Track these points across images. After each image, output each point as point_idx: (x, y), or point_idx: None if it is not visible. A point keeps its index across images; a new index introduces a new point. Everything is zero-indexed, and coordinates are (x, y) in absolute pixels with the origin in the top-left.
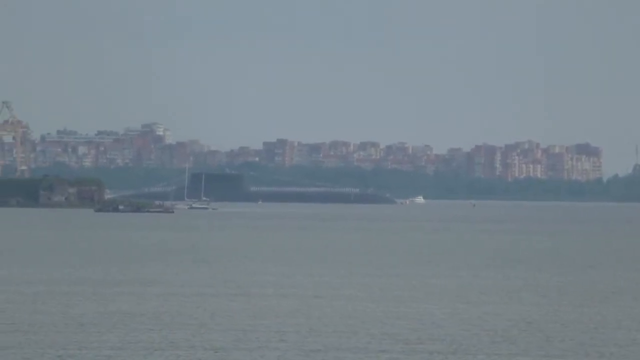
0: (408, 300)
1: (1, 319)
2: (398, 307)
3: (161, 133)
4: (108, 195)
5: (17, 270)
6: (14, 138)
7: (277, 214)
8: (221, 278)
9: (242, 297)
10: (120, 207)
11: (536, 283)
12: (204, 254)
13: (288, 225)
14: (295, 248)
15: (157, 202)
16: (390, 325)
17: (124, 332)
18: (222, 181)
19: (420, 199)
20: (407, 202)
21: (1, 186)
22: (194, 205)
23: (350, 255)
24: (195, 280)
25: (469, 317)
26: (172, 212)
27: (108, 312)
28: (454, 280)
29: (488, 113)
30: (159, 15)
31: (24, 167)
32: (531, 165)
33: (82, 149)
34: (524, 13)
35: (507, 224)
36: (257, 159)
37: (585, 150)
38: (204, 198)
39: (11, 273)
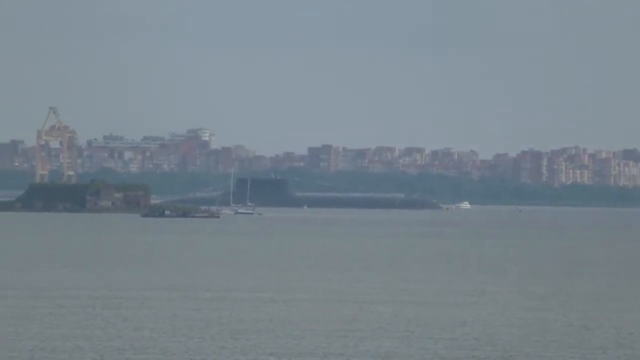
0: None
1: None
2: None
3: (207, 138)
4: (154, 200)
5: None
6: (60, 143)
7: (327, 220)
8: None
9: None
10: (167, 212)
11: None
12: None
13: (362, 233)
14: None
15: (203, 208)
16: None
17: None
18: (268, 186)
19: (465, 205)
20: (453, 208)
21: (48, 192)
22: (239, 211)
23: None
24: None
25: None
26: (218, 217)
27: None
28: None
29: (534, 118)
30: (205, 20)
31: (70, 173)
32: (578, 171)
33: (128, 154)
34: (570, 16)
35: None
36: (302, 164)
37: (633, 155)
38: (250, 203)
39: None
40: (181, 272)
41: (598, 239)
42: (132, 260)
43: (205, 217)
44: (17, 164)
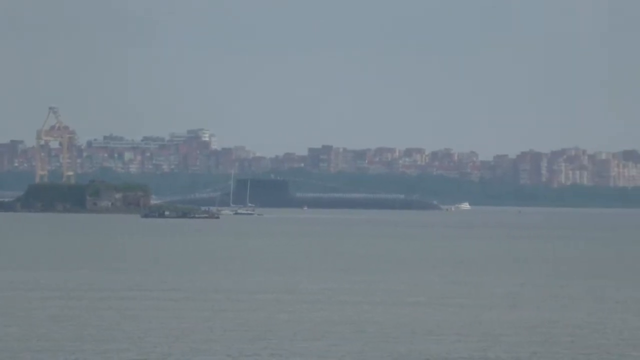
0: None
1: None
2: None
3: (207, 139)
4: (154, 201)
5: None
6: (60, 144)
7: (330, 220)
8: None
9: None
10: (166, 212)
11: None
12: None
13: (372, 233)
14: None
15: (202, 208)
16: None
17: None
18: (268, 187)
19: (465, 206)
20: (453, 209)
21: (48, 192)
22: (239, 211)
23: (408, 263)
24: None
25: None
26: (218, 217)
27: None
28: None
29: (534, 119)
30: (205, 20)
31: (70, 173)
32: (577, 172)
33: (128, 155)
34: (568, 17)
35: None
36: (302, 165)
37: (632, 156)
38: (250, 204)
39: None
40: (216, 274)
41: None
42: (151, 261)
43: (205, 217)
44: (16, 164)
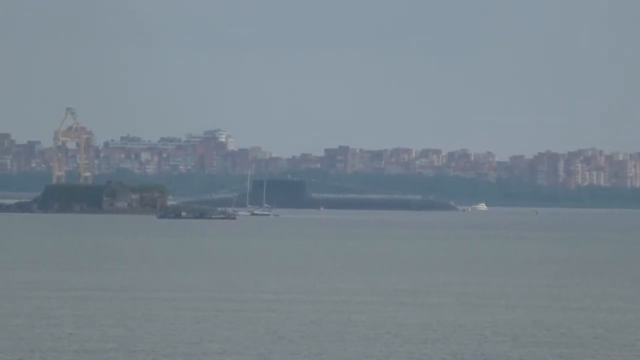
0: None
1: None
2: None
3: (223, 140)
4: (170, 201)
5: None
6: (77, 144)
7: (347, 221)
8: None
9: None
10: (183, 213)
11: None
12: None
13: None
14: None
15: (219, 209)
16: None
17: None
18: (284, 188)
19: (482, 206)
20: (469, 210)
21: (65, 192)
22: (255, 212)
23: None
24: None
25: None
26: (234, 218)
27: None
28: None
29: (551, 120)
30: (223, 21)
31: (87, 174)
32: (594, 173)
33: (145, 156)
34: (592, 18)
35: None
36: (318, 165)
37: None
38: (266, 205)
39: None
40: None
41: None
42: (183, 262)
43: (222, 218)
44: (34, 165)
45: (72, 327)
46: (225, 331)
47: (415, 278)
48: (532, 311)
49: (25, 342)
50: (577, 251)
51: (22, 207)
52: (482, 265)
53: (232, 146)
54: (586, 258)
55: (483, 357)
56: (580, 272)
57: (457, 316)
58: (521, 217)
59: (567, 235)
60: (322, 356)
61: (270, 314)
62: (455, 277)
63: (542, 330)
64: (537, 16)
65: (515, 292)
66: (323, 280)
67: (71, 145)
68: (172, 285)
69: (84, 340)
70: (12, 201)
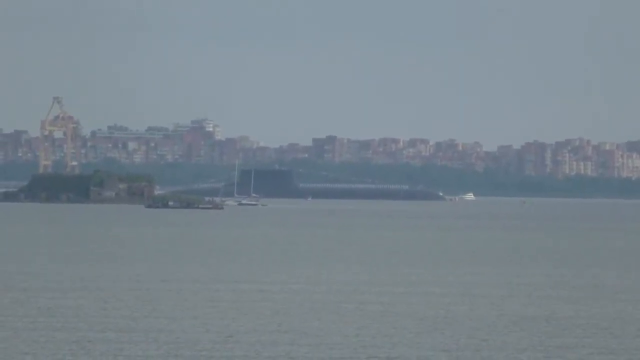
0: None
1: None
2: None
3: (211, 129)
4: (158, 191)
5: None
6: (64, 134)
7: (336, 211)
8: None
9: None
10: (170, 203)
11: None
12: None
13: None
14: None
15: (206, 199)
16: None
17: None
18: (272, 177)
19: (470, 196)
20: (457, 200)
21: (52, 182)
22: (243, 202)
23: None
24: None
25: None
26: (222, 208)
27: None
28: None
29: (538, 110)
30: (209, 12)
31: (74, 163)
32: (582, 163)
33: (132, 145)
34: (578, 10)
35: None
36: (306, 155)
37: (636, 147)
38: (254, 194)
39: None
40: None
41: None
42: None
43: (209, 208)
44: (20, 154)
45: (62, 318)
46: (217, 320)
47: (408, 269)
48: (530, 301)
49: None
50: (574, 241)
51: (9, 197)
52: (477, 256)
53: (219, 135)
54: (581, 248)
55: (482, 345)
56: (577, 262)
57: (450, 307)
58: (510, 208)
59: (559, 225)
60: (319, 347)
61: (263, 303)
62: (444, 268)
63: (541, 321)
64: (525, 7)
65: (507, 283)
66: (311, 270)
67: (58, 134)
68: (162, 275)
69: (78, 330)
70: None
